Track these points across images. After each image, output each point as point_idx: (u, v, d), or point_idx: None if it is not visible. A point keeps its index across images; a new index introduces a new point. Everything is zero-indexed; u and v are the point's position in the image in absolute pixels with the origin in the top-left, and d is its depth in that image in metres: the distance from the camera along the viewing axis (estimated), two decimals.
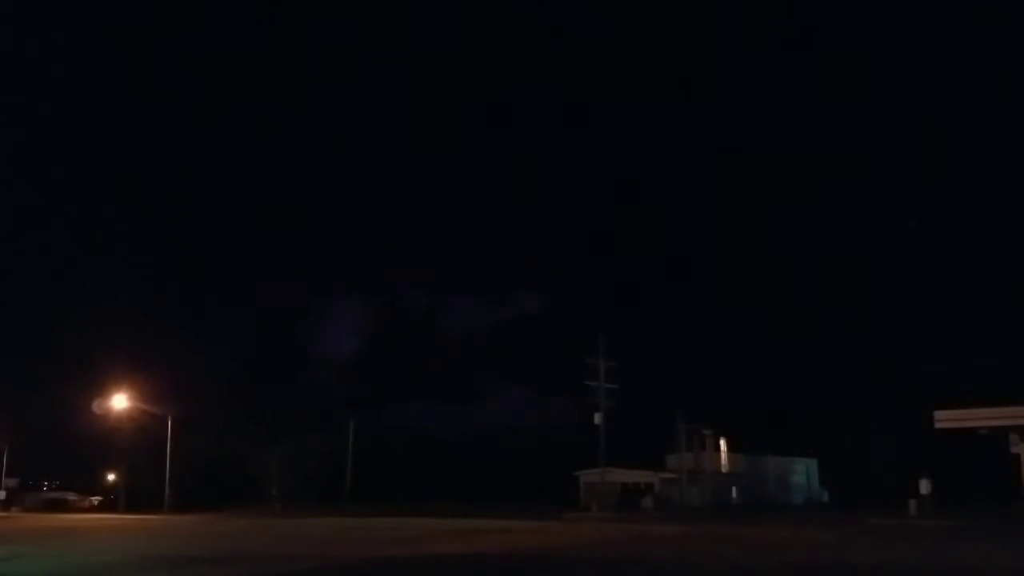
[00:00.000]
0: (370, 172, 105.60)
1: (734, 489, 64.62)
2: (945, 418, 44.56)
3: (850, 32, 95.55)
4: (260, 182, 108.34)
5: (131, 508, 57.05)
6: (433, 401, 70.09)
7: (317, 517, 39.96)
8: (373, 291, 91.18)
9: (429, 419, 68.08)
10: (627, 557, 18.86)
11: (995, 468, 47.67)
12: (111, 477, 75.83)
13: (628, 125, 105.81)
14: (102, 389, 58.03)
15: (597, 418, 51.71)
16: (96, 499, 74.04)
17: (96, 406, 58.15)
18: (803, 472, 73.04)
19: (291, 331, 78.04)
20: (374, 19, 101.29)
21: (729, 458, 65.90)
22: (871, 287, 79.01)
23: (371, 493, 59.52)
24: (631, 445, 57.75)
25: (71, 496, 75.07)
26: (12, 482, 70.40)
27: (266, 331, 77.12)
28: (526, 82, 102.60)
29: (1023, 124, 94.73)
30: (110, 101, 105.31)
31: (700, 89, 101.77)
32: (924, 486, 43.08)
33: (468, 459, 65.24)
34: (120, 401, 57.58)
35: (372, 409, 64.66)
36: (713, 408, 63.19)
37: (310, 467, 61.45)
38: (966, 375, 52.75)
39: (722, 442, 65.20)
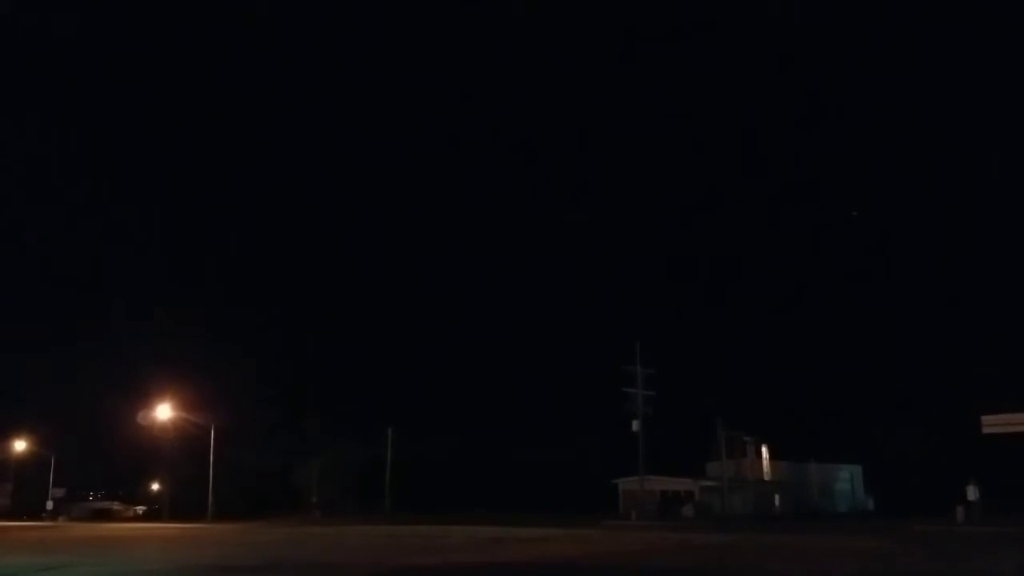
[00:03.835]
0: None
1: (777, 497, 63.71)
2: (992, 422, 43.72)
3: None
4: (308, 192, 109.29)
5: (175, 517, 57.73)
6: (471, 408, 70.05)
7: (358, 525, 40.12)
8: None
9: (468, 428, 68.04)
10: (675, 567, 18.64)
11: None
12: (155, 487, 76.86)
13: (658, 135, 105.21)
14: (146, 400, 58.92)
15: (635, 425, 51.45)
16: (141, 508, 75.06)
17: (140, 417, 59.02)
18: (847, 479, 71.86)
19: (332, 342, 78.58)
20: None
21: (771, 465, 65.02)
22: (917, 289, 77.70)
23: (410, 502, 59.66)
24: (670, 452, 57.34)
25: (116, 506, 76.19)
26: (59, 492, 71.60)
27: (309, 342, 77.70)
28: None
29: None
30: (172, 108, 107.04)
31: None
32: (972, 492, 42.26)
33: (507, 467, 65.11)
34: (164, 412, 58.36)
35: (411, 418, 64.81)
36: (754, 415, 62.47)
37: (350, 476, 61.77)
38: (1014, 379, 51.61)
39: (764, 449, 64.34)
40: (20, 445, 69.78)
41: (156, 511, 68.89)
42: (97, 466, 76.03)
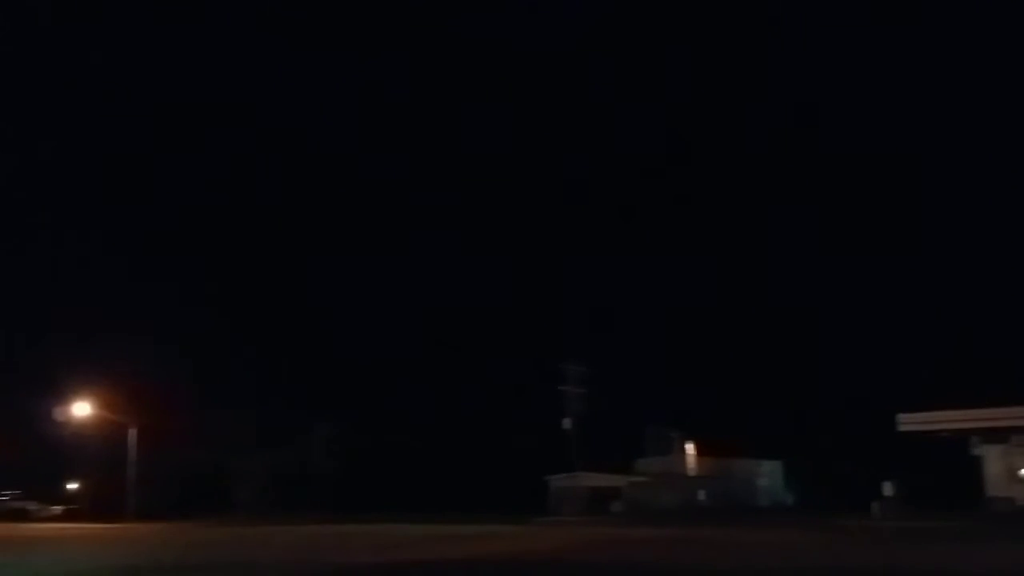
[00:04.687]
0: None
1: (702, 492, 65.01)
2: (908, 421, 45.53)
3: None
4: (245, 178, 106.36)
5: (96, 517, 56.04)
6: (403, 408, 69.71)
7: (287, 525, 39.60)
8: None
9: (398, 426, 67.68)
10: (613, 561, 18.93)
11: (957, 470, 48.69)
12: (74, 486, 74.46)
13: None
14: (64, 396, 57.03)
15: (566, 422, 52.07)
16: (58, 508, 72.59)
17: (57, 413, 57.11)
18: (769, 475, 73.68)
19: (262, 341, 77.20)
20: None
21: (697, 461, 66.33)
22: (833, 290, 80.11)
23: (342, 503, 59.00)
24: (601, 449, 58.00)
25: (32, 506, 73.41)
26: None
27: (240, 340, 76.13)
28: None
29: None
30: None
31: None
32: (887, 488, 43.86)
33: (440, 467, 64.94)
34: (82, 408, 56.58)
35: (342, 419, 64.13)
36: (682, 411, 63.69)
37: (278, 477, 60.87)
38: (929, 378, 53.72)
39: (689, 445, 65.59)
40: None
41: (76, 511, 66.80)
42: (11, 465, 73.24)
